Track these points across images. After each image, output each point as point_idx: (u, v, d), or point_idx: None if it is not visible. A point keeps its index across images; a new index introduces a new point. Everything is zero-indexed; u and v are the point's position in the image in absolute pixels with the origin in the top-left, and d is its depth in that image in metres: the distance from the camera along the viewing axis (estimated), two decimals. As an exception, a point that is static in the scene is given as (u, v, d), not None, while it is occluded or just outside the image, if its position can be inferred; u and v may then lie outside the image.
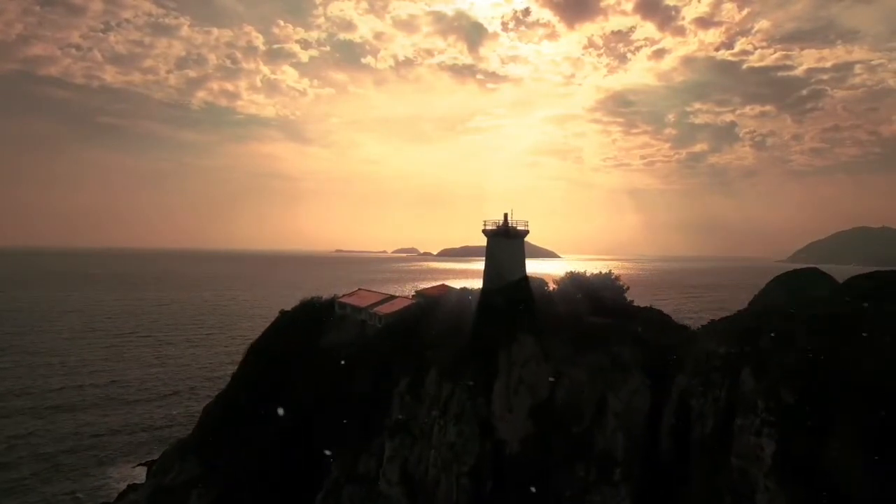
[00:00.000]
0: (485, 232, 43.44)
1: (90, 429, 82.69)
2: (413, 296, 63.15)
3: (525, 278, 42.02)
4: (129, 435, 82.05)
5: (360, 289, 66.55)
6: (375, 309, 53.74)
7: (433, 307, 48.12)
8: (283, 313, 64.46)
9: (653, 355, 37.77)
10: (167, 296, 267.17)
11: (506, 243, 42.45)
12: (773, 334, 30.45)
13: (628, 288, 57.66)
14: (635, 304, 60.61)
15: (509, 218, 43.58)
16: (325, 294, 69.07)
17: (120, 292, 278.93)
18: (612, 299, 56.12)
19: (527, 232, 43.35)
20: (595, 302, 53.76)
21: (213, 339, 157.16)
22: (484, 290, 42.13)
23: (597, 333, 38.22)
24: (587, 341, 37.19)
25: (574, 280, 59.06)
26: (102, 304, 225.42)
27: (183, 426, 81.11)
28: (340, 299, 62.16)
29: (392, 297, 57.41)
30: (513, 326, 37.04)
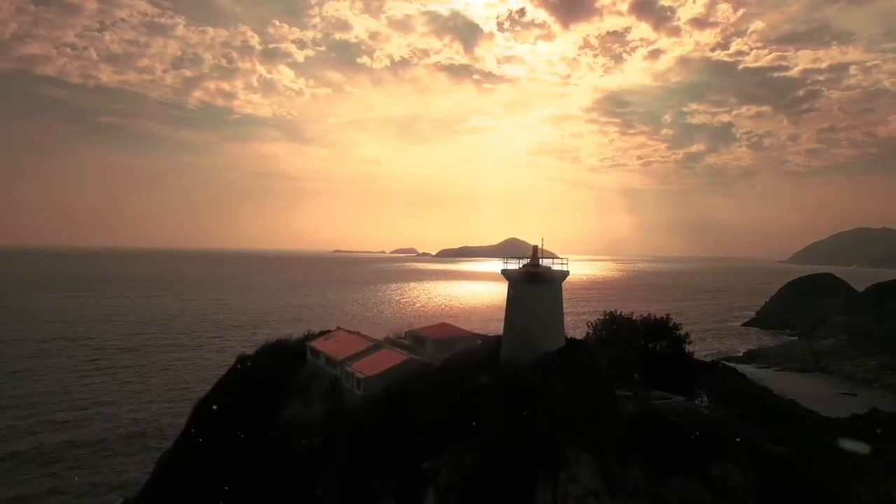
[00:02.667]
0: (504, 274, 30.16)
1: (33, 486, 68.66)
2: (404, 336, 50.07)
3: (568, 346, 28.53)
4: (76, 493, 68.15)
5: (339, 328, 52.99)
6: (354, 365, 40.36)
7: (432, 372, 34.69)
8: (241, 360, 51.01)
9: (767, 472, 24.60)
10: (161, 300, 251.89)
11: (536, 292, 28.97)
12: None
13: (688, 337, 44.17)
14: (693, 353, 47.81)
15: (540, 252, 30.32)
16: (308, 319, 56.20)
17: (113, 295, 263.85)
18: (666, 353, 42.92)
19: (566, 274, 30.05)
20: (642, 356, 40.52)
21: (198, 354, 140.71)
22: (505, 362, 28.69)
23: (681, 437, 24.91)
24: (671, 455, 23.90)
25: (616, 326, 45.84)
26: (91, 309, 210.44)
27: (135, 485, 67.36)
28: (313, 343, 48.90)
29: (377, 347, 43.92)
30: (556, 434, 23.67)
